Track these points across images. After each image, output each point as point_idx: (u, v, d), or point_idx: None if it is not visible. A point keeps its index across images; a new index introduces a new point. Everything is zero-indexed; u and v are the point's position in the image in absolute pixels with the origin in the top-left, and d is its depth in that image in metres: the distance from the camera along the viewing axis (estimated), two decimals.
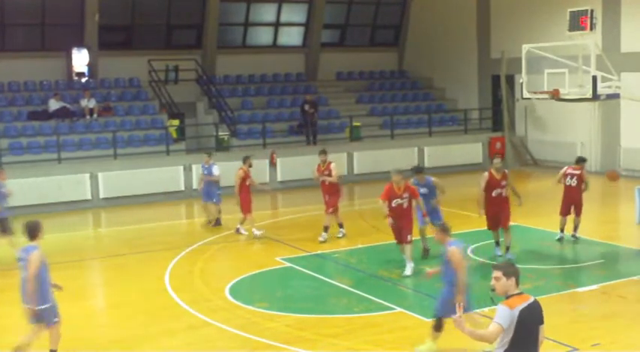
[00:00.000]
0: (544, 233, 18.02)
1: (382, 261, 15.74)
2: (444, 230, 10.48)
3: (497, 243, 15.77)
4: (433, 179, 15.74)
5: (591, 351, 10.57)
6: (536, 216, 19.94)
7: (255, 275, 14.91)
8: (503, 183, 15.40)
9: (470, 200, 22.54)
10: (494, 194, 15.36)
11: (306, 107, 27.57)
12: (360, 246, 17.06)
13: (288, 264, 15.63)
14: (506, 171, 15.60)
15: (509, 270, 7.22)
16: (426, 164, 27.82)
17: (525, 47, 18.74)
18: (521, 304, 7.04)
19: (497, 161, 15.60)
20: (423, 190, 15.26)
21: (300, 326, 11.84)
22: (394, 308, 12.54)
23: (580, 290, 13.32)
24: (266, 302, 13.03)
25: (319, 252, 16.54)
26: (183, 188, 24.28)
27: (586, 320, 11.87)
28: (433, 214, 15.33)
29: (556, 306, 12.43)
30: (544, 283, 13.77)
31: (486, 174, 15.35)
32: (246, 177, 18.34)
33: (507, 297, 7.14)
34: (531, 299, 7.15)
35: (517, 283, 7.21)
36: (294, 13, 32.71)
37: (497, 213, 15.41)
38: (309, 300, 13.29)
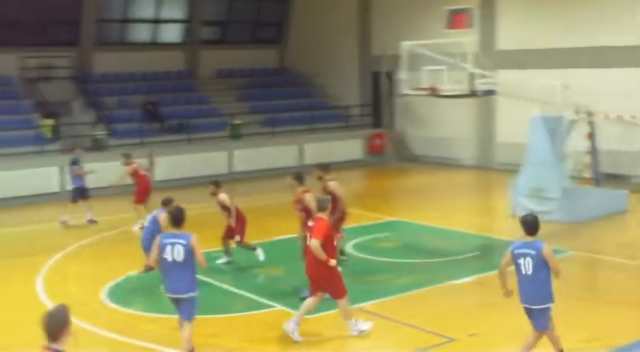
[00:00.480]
0: (422, 227, 18.32)
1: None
2: None
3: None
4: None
5: (468, 340, 10.75)
6: (415, 211, 20.27)
7: (132, 277, 14.54)
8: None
9: (352, 196, 22.74)
10: None
11: (149, 107, 27.49)
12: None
13: None
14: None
15: None
16: (307, 161, 27.87)
17: (405, 44, 18.98)
18: None
19: None
20: None
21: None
22: (274, 306, 12.48)
23: (457, 282, 13.56)
24: (144, 304, 12.74)
25: None
26: (57, 189, 23.51)
27: (462, 311, 12.09)
28: None
29: (434, 298, 12.65)
30: (422, 276, 13.98)
31: None
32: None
33: None
34: None
35: None
36: (174, 10, 32.22)
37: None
38: None
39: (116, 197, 23.45)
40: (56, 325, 6.29)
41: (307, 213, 12.77)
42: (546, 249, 9.07)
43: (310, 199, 12.87)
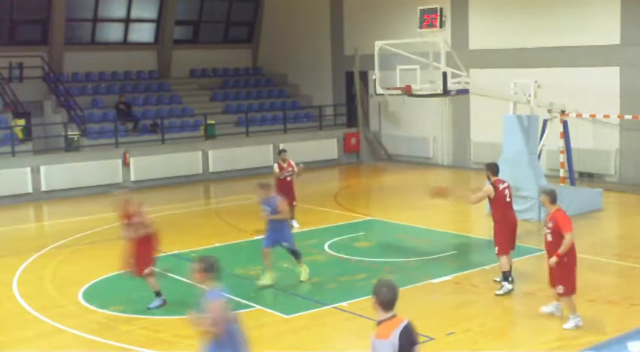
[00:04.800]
0: (398, 226, 18.36)
1: (239, 259, 15.59)
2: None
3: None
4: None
5: (447, 340, 10.79)
6: (391, 210, 20.31)
7: (109, 278, 14.43)
8: None
9: (327, 196, 22.78)
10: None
11: (121, 106, 27.40)
12: (216, 244, 16.84)
13: None
14: None
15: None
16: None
17: (378, 44, 18.99)
18: (397, 327, 6.50)
19: None
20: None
21: (157, 329, 11.56)
22: (253, 306, 12.43)
23: (435, 281, 13.60)
24: (121, 306, 12.65)
25: (175, 252, 16.20)
26: (30, 190, 23.27)
27: (441, 310, 12.12)
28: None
29: (412, 298, 12.66)
30: (400, 275, 13.99)
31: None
32: None
33: (378, 323, 6.55)
34: (405, 321, 6.60)
35: (386, 307, 6.52)
36: (145, 9, 31.99)
37: None
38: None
39: (92, 198, 23.36)
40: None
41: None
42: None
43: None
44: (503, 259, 12.74)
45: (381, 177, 27.42)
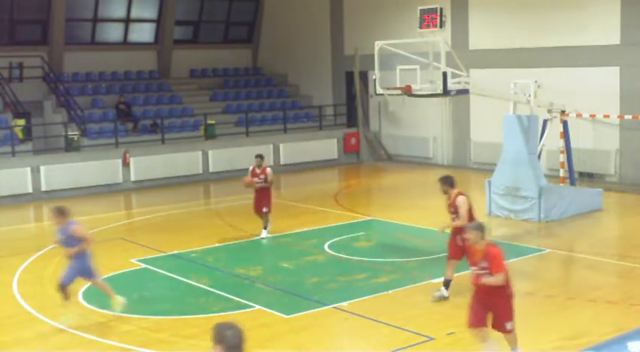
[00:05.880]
0: (398, 226, 18.35)
1: (239, 259, 15.60)
2: None
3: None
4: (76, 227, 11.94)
5: (447, 340, 10.78)
6: (391, 210, 20.30)
7: (109, 278, 14.37)
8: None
9: (327, 196, 22.77)
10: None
11: (121, 106, 27.39)
12: (216, 244, 16.85)
13: (144, 266, 15.24)
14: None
15: None
16: (282, 161, 27.94)
17: (378, 44, 18.97)
18: None
19: None
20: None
21: (157, 328, 11.55)
22: (253, 306, 12.43)
23: (435, 281, 13.57)
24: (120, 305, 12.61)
25: (175, 252, 16.21)
26: (31, 190, 23.27)
27: (441, 310, 12.11)
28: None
29: (412, 297, 12.67)
30: (400, 275, 14.01)
31: None
32: None
33: None
34: None
35: None
36: (145, 9, 31.99)
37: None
38: (166, 301, 12.99)
39: (92, 198, 23.37)
40: None
41: None
42: None
43: None
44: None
45: (381, 177, 27.41)
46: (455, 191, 12.54)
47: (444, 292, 12.49)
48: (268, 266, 15.06)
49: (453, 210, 12.45)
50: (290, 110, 31.11)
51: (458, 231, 12.07)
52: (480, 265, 9.37)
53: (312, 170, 27.96)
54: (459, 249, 12.16)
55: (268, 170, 17.16)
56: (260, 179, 17.02)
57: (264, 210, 16.97)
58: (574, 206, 18.67)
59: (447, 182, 12.67)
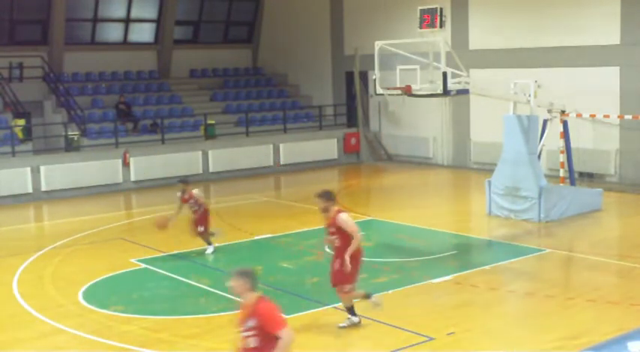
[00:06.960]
0: (398, 226, 18.35)
1: (239, 259, 15.59)
2: None
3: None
4: None
5: (447, 340, 10.78)
6: (391, 210, 20.30)
7: (109, 278, 14.44)
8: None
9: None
10: None
11: (121, 106, 27.41)
12: (216, 244, 16.83)
13: (144, 266, 15.24)
14: None
15: None
16: (282, 161, 27.94)
17: (378, 44, 18.96)
18: None
19: None
20: None
21: (157, 328, 11.54)
22: None
23: (434, 281, 13.58)
24: (121, 305, 12.63)
25: (175, 252, 16.21)
26: (31, 190, 23.28)
27: (441, 310, 12.11)
28: None
29: (412, 298, 12.67)
30: (400, 276, 14.00)
31: None
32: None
33: None
34: None
35: None
36: (145, 9, 31.97)
37: None
38: (166, 301, 12.98)
39: (92, 198, 23.38)
40: None
41: None
42: None
43: None
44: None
45: (381, 177, 27.40)
46: (335, 208, 11.07)
47: (354, 319, 11.39)
48: (268, 266, 15.05)
49: (335, 230, 11.08)
50: (290, 110, 31.11)
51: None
52: (246, 324, 7.31)
53: (312, 170, 27.95)
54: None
55: (194, 192, 16.19)
56: (192, 204, 16.03)
57: (200, 229, 16.01)
58: (574, 206, 18.67)
59: (328, 198, 11.12)
